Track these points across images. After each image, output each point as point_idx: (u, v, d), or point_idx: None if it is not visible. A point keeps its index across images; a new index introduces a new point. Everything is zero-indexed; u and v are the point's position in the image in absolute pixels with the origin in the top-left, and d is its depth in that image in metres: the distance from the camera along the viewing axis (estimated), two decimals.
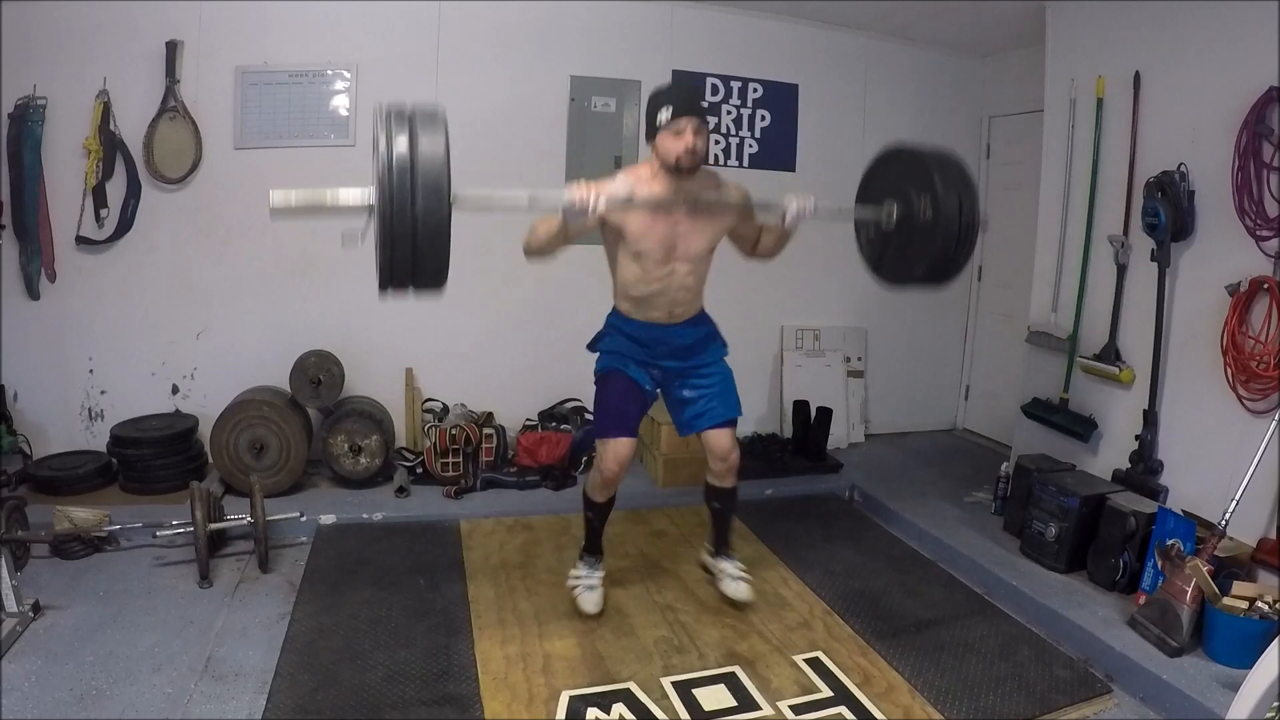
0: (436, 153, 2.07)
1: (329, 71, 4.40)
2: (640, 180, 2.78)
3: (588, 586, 3.10)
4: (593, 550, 3.18)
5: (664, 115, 2.68)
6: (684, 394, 3.03)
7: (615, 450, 2.90)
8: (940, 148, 2.83)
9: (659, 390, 3.05)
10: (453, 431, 4.35)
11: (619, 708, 2.56)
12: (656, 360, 3.00)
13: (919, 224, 2.71)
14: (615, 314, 3.04)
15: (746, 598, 3.15)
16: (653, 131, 2.74)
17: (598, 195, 2.55)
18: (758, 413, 5.31)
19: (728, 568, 3.24)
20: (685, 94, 2.80)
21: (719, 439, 3.02)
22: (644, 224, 2.77)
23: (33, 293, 4.13)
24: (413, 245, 2.09)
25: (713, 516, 3.31)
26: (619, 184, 2.73)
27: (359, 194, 2.15)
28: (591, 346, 3.09)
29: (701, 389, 3.02)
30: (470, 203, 2.33)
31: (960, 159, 2.80)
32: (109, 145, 4.12)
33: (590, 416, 4.74)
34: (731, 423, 3.04)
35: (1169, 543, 3.09)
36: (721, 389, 3.03)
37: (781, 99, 5.18)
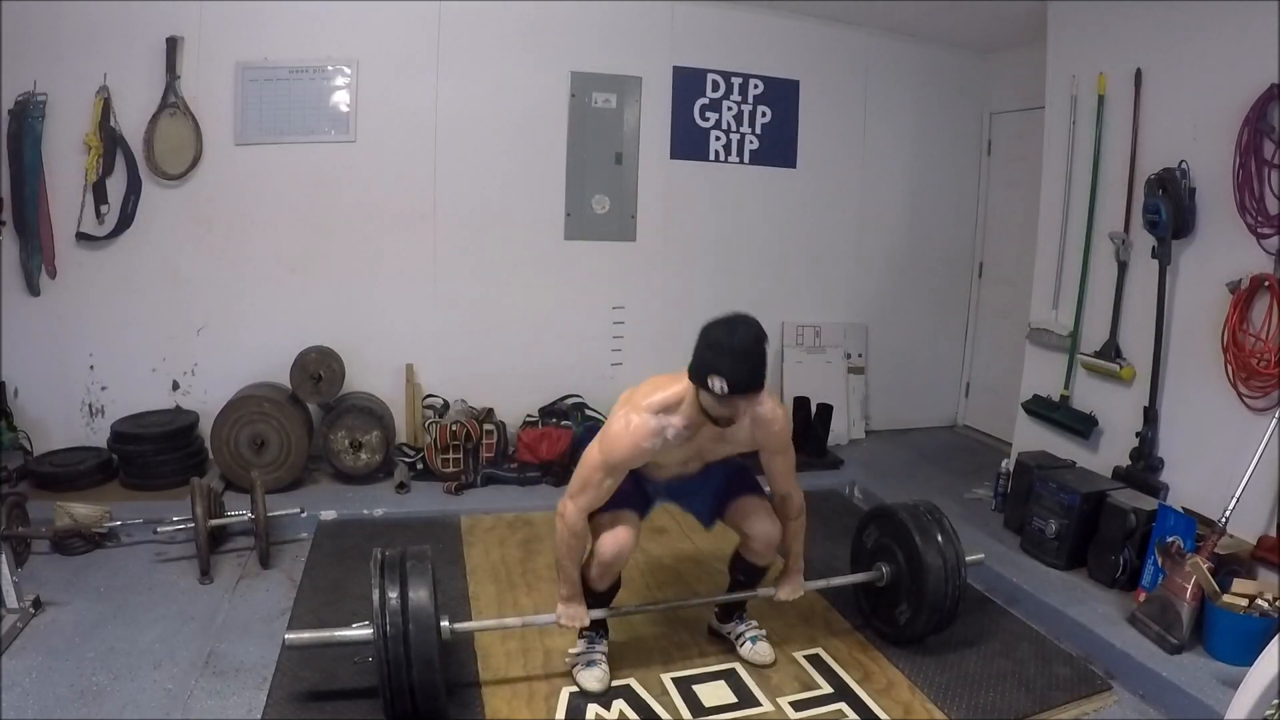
0: (424, 605, 2.34)
1: (329, 67, 4.39)
2: (670, 422, 2.43)
3: (587, 662, 2.68)
4: (594, 626, 2.74)
5: (716, 384, 2.25)
6: (691, 485, 2.76)
7: (615, 534, 2.56)
8: (919, 505, 3.05)
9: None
10: (453, 427, 4.35)
11: (619, 704, 2.57)
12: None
13: (912, 579, 2.88)
14: None
15: (769, 660, 2.83)
16: (702, 379, 2.29)
17: (584, 620, 2.59)
18: None
19: (744, 629, 2.91)
20: (747, 368, 2.27)
21: (754, 504, 2.73)
22: (671, 453, 2.52)
23: (33, 289, 4.13)
24: (409, 682, 2.30)
25: (732, 587, 2.93)
26: (649, 438, 2.42)
27: (362, 636, 2.42)
28: None
29: (712, 480, 2.76)
30: (467, 631, 2.73)
31: (939, 514, 2.99)
32: (109, 141, 4.11)
33: (591, 414, 4.75)
34: (762, 494, 2.77)
35: (1169, 540, 3.09)
36: (734, 469, 2.79)
37: (782, 95, 5.17)
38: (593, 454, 2.48)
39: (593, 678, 2.64)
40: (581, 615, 2.60)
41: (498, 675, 2.69)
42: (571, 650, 2.75)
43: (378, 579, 2.37)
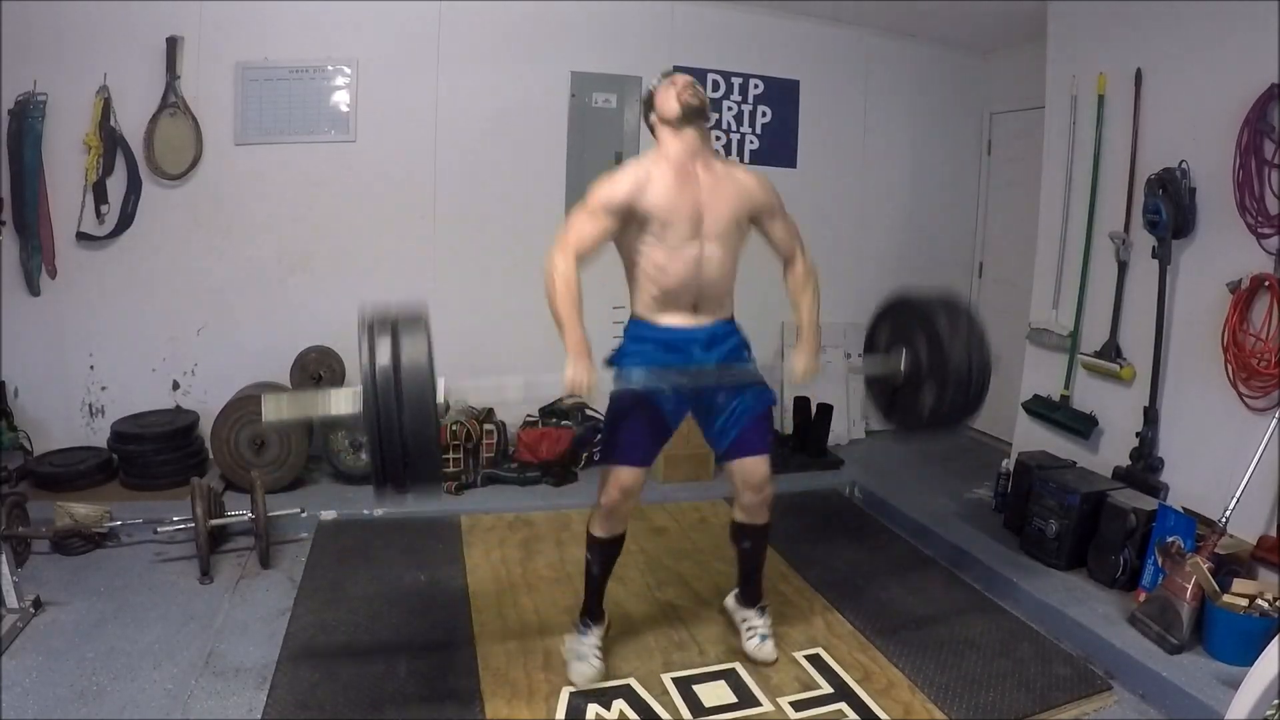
0: (420, 360, 2.09)
1: (329, 67, 4.39)
2: (648, 164, 2.55)
3: (578, 656, 2.69)
4: (591, 613, 2.77)
5: (656, 81, 2.60)
6: (718, 400, 2.66)
7: (620, 479, 2.57)
8: (945, 292, 2.87)
9: (688, 410, 2.73)
10: (453, 427, 4.35)
11: (619, 704, 2.56)
12: (686, 368, 2.62)
13: (932, 371, 2.72)
14: (635, 323, 2.72)
15: (770, 658, 2.82)
16: (650, 108, 2.60)
17: (591, 379, 2.44)
18: None
19: (757, 623, 2.88)
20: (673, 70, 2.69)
21: (754, 467, 2.68)
22: (667, 192, 2.49)
23: (33, 289, 4.13)
24: (402, 449, 2.08)
25: (741, 559, 2.89)
26: (627, 174, 2.51)
27: (348, 398, 2.17)
28: (610, 361, 2.69)
29: (737, 411, 2.67)
30: (464, 392, 2.33)
31: (966, 303, 2.82)
32: (109, 141, 4.11)
33: (591, 413, 4.75)
34: (766, 452, 2.72)
35: (1169, 540, 3.09)
36: (756, 415, 2.70)
37: (782, 95, 5.17)
38: (580, 205, 2.53)
39: (580, 674, 2.65)
40: (589, 375, 2.43)
41: (498, 675, 2.69)
42: (567, 639, 2.78)
43: (366, 336, 2.13)
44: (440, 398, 2.16)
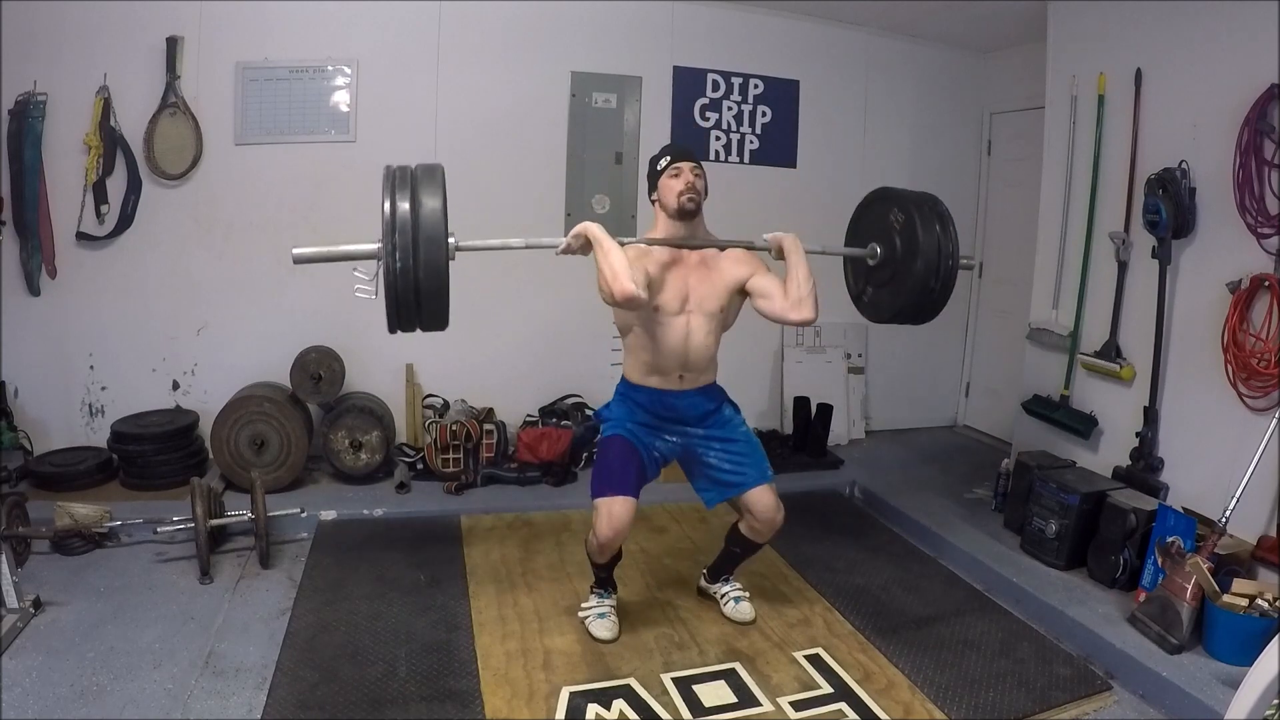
0: (435, 210, 2.32)
1: (329, 67, 4.39)
2: (649, 243, 2.76)
3: (599, 614, 2.96)
4: (603, 584, 3.04)
5: (662, 163, 2.78)
6: (709, 459, 2.87)
7: (609, 511, 2.71)
8: (923, 194, 2.97)
9: (674, 459, 2.92)
10: (453, 427, 4.35)
11: (619, 704, 2.56)
12: (667, 427, 2.86)
13: (901, 263, 2.86)
14: (624, 383, 2.93)
15: (749, 618, 3.07)
16: (654, 185, 2.81)
17: (597, 229, 2.55)
18: (758, 409, 5.31)
19: (729, 590, 3.16)
20: (680, 145, 2.94)
21: (763, 498, 2.86)
22: (659, 270, 2.71)
23: (33, 289, 4.13)
24: (416, 294, 2.35)
25: (726, 556, 3.14)
26: (628, 249, 2.62)
27: (370, 248, 2.42)
28: (598, 414, 3.03)
29: (729, 455, 2.86)
30: (471, 249, 2.52)
31: (939, 202, 2.92)
32: (109, 141, 4.11)
33: (590, 413, 4.75)
34: (771, 482, 2.90)
35: (1169, 540, 3.09)
36: (751, 452, 2.89)
37: (782, 95, 5.17)
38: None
39: (604, 628, 2.92)
40: (597, 226, 2.57)
41: (498, 675, 2.69)
42: (584, 604, 3.02)
43: (388, 190, 2.34)
44: (451, 239, 2.36)
